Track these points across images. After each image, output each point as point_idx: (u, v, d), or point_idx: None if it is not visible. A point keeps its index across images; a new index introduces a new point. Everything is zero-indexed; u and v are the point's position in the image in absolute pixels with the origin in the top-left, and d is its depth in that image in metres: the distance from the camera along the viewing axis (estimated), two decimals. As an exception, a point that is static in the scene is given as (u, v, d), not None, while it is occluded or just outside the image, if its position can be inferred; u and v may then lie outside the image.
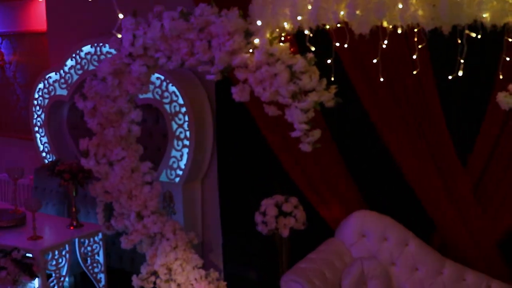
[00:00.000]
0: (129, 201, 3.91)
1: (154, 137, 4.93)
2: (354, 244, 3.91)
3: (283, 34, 3.01)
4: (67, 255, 4.15)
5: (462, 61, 2.57)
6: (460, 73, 2.60)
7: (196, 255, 4.00)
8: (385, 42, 2.62)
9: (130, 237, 3.94)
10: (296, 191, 4.21)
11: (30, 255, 3.97)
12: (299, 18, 2.72)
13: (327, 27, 2.78)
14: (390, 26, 2.59)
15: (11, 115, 6.91)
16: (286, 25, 2.92)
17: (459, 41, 2.50)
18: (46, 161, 5.48)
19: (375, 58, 2.87)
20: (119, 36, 3.43)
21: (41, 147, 5.58)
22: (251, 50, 3.09)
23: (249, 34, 3.13)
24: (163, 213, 4.07)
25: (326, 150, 4.09)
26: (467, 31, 2.46)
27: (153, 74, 3.73)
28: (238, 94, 3.23)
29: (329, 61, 2.87)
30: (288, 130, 3.16)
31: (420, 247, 3.77)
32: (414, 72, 3.12)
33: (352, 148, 4.14)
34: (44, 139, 5.54)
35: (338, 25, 2.73)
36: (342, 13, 2.62)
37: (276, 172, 4.33)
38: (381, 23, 2.58)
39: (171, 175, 4.68)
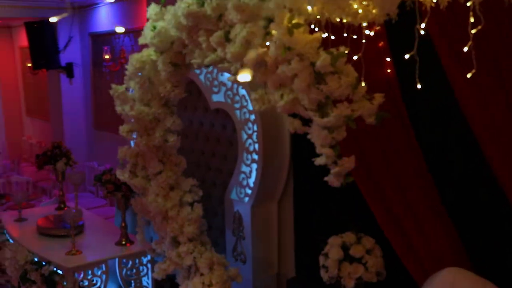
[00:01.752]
0: (164, 223, 3.32)
1: (234, 147, 4.29)
2: (439, 311, 2.86)
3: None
4: (104, 276, 3.67)
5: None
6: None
7: (232, 299, 3.26)
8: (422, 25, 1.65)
9: (162, 266, 3.35)
10: (376, 229, 3.25)
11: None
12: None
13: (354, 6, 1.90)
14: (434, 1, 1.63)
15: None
16: (310, 9, 2.09)
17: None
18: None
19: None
20: None
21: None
22: (268, 43, 2.28)
23: (270, 22, 2.31)
24: (207, 241, 3.41)
25: (418, 179, 3.14)
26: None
27: (184, 74, 3.08)
28: (258, 101, 2.43)
29: (355, 57, 1.95)
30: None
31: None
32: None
33: (453, 178, 3.07)
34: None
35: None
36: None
37: (356, 202, 3.41)
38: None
39: (241, 193, 3.98)
